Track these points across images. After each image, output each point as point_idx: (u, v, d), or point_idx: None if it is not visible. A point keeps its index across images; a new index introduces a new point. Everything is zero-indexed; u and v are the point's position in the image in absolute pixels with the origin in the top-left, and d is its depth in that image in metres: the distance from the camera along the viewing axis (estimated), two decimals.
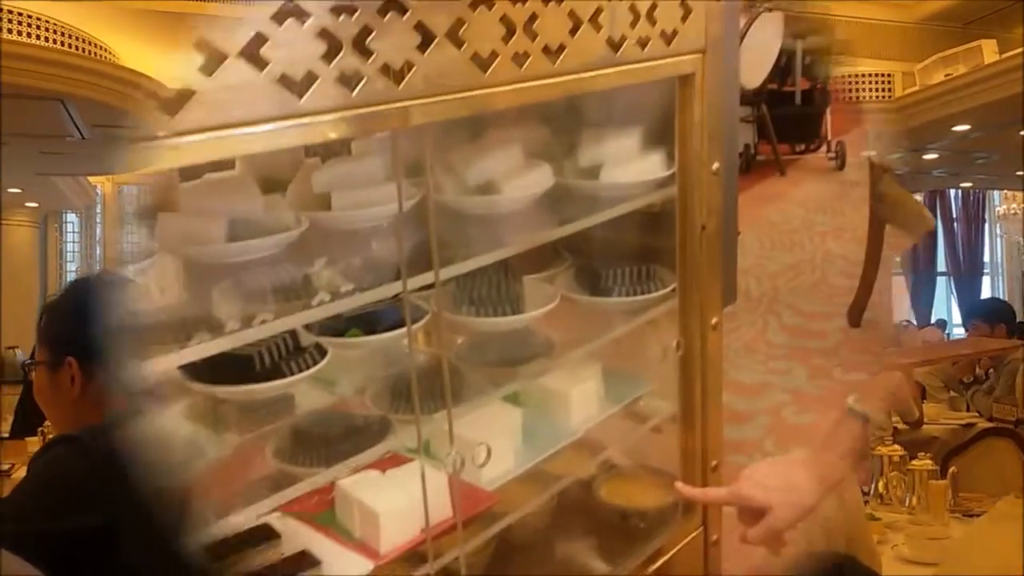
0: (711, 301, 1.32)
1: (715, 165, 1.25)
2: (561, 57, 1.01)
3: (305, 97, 0.78)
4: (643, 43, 1.10)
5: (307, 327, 1.23)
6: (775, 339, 3.09)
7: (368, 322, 1.22)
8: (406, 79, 0.86)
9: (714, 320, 1.34)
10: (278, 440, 1.20)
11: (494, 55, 0.93)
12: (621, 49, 1.08)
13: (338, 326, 1.23)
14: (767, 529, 1.10)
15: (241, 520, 0.95)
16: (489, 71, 0.93)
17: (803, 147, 5.41)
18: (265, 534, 1.04)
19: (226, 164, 1.26)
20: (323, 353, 1.15)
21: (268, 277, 1.07)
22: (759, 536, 1.11)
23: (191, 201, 1.04)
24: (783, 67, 4.99)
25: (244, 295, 1.04)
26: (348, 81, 0.82)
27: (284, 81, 0.77)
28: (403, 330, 1.21)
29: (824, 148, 5.32)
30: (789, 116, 5.06)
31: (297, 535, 1.08)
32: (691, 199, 1.25)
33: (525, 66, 0.97)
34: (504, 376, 1.28)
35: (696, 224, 1.26)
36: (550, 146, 1.30)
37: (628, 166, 1.24)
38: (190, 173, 1.24)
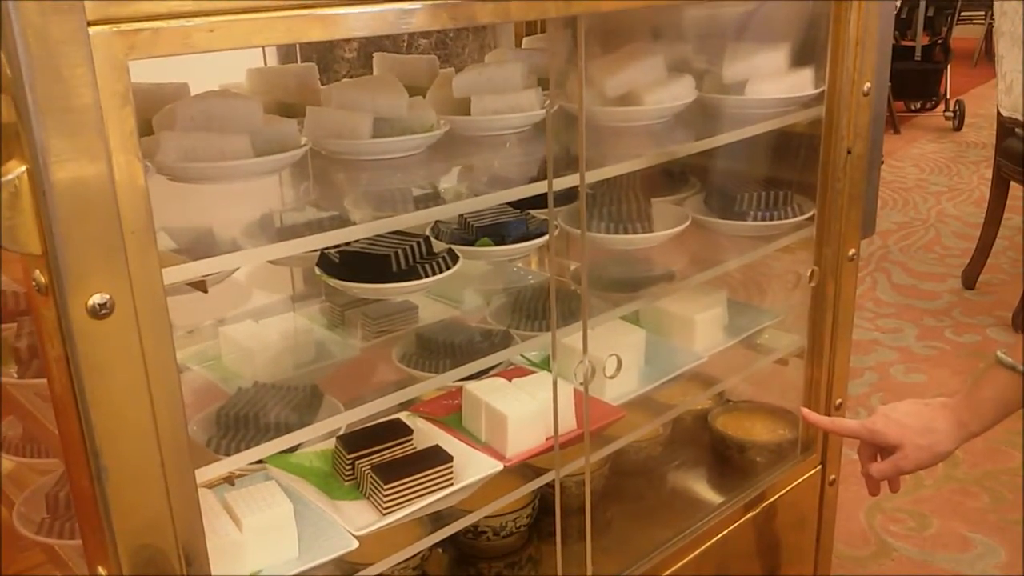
0: (850, 230, 1.27)
1: (866, 86, 1.19)
2: None
3: None
4: None
5: (438, 236, 1.24)
6: (884, 297, 2.98)
7: (497, 233, 1.22)
8: None
9: (851, 251, 1.29)
10: (403, 346, 1.22)
11: None
12: None
13: (469, 236, 1.23)
14: (894, 467, 1.06)
15: (372, 412, 0.96)
16: None
17: (919, 105, 5.13)
18: (398, 428, 1.05)
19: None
20: (455, 260, 1.15)
21: (400, 182, 1.07)
22: (884, 472, 1.07)
23: (339, 96, 1.05)
24: (903, 19, 4.72)
25: (376, 200, 1.05)
26: None
27: None
28: (530, 243, 1.21)
29: (941, 107, 5.04)
30: (907, 72, 4.79)
31: (426, 435, 1.09)
32: (839, 120, 1.19)
33: None
34: (624, 298, 1.26)
35: (842, 147, 1.20)
36: (693, 60, 1.26)
37: (775, 82, 1.19)
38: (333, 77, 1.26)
